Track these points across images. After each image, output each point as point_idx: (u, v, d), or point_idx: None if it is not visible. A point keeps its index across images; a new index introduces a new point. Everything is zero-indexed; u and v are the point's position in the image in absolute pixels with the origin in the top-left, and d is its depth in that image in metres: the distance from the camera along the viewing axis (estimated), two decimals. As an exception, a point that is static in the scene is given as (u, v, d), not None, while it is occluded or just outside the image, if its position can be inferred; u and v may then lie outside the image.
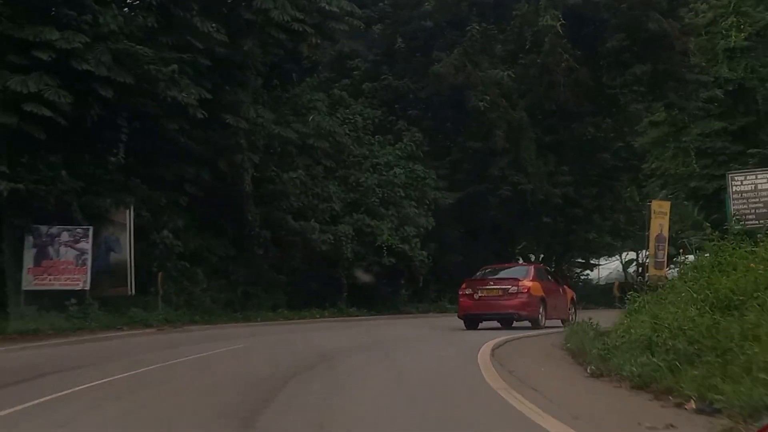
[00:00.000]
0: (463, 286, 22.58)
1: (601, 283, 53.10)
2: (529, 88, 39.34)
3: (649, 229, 46.48)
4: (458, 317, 22.66)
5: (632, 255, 51.01)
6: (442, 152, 39.52)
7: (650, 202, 47.21)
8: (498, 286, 21.97)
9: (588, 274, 52.81)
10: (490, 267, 24.72)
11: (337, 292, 33.15)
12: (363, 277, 32.82)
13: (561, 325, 21.70)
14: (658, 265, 45.96)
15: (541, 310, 21.91)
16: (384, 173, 35.39)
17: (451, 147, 39.68)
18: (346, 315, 32.25)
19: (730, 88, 61.89)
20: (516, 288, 21.58)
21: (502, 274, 23.28)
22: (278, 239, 31.12)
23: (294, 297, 31.81)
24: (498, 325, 22.45)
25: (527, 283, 21.83)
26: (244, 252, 30.21)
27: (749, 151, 43.13)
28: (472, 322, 22.07)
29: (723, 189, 44.09)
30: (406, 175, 35.74)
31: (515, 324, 22.09)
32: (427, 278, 36.74)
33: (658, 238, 46.09)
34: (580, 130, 41.32)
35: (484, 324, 22.29)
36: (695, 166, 67.87)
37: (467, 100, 37.32)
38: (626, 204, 47.89)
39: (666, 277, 47.61)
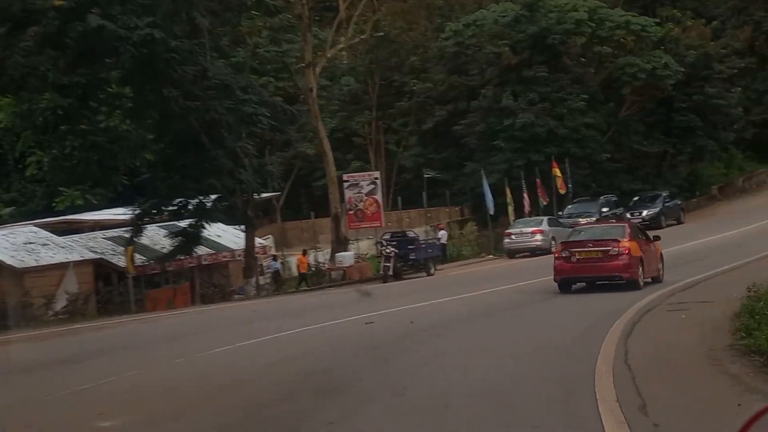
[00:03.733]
0: (559, 248, 22.93)
1: None
2: None
3: None
4: (554, 281, 22.24)
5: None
6: None
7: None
8: (597, 248, 21.69)
9: None
10: (579, 227, 26.30)
11: None
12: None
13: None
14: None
15: (640, 270, 21.63)
16: None
17: None
18: None
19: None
20: (617, 249, 21.35)
21: (597, 235, 22.92)
22: None
23: None
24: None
25: (627, 243, 21.58)
26: None
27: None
28: (567, 286, 22.05)
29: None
30: None
31: (605, 290, 21.38)
32: None
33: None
34: None
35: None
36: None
37: None
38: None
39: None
